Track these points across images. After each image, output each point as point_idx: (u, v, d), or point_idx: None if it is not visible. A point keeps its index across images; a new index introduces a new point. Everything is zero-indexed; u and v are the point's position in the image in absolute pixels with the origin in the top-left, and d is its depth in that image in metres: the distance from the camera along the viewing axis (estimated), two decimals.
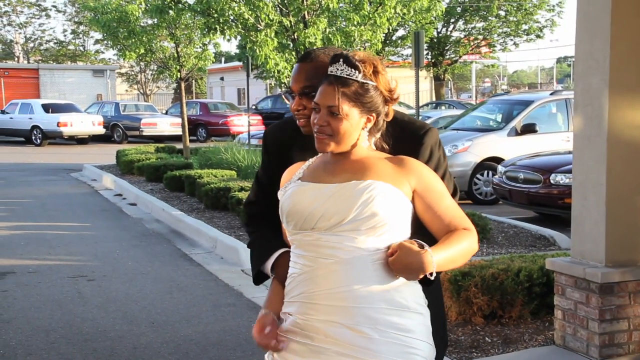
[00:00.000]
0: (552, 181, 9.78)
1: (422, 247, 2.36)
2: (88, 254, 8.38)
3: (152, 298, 6.44)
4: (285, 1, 10.44)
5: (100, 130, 29.05)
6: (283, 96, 2.95)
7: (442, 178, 2.61)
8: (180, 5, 11.94)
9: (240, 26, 10.34)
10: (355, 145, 2.51)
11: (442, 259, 2.39)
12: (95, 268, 7.63)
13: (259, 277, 2.80)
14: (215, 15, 10.17)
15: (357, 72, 2.48)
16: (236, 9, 9.83)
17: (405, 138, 2.67)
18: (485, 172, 12.38)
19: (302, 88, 2.69)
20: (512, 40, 37.53)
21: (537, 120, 12.90)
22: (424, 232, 2.49)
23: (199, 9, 10.34)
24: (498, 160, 12.17)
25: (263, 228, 2.87)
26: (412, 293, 2.44)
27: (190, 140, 19.44)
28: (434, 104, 32.97)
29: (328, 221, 2.41)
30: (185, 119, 17.46)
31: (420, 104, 33.99)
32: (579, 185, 4.69)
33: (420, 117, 19.71)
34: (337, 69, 2.49)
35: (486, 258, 6.09)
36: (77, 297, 6.47)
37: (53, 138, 28.70)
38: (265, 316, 2.57)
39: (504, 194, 10.65)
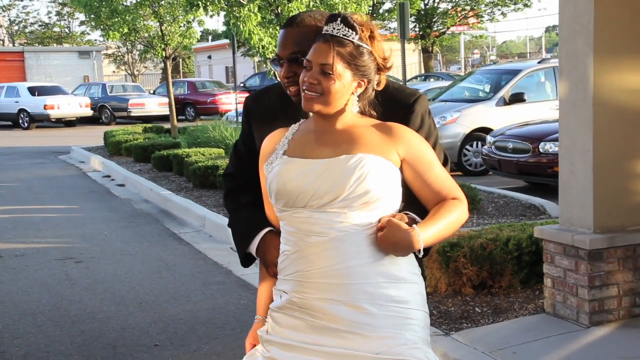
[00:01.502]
0: (541, 150, 9.73)
1: (413, 221, 2.31)
2: (76, 235, 8.32)
3: (140, 278, 6.39)
4: None
5: (88, 112, 28.84)
6: (270, 64, 2.86)
7: (433, 147, 2.53)
8: None
9: (223, 1, 10.22)
10: (343, 110, 2.43)
11: (430, 235, 2.33)
12: (83, 250, 7.57)
13: (246, 260, 2.73)
14: None
15: (354, 33, 2.39)
16: None
17: (395, 106, 2.58)
18: (475, 142, 12.33)
19: (290, 54, 2.57)
20: (499, 10, 37.36)
21: (525, 89, 12.82)
22: (415, 200, 2.44)
23: None
24: (487, 130, 12.10)
25: (243, 204, 2.77)
26: (406, 263, 2.40)
27: (179, 120, 19.30)
28: (422, 77, 32.82)
29: (320, 199, 2.34)
30: (172, 98, 17.33)
31: (409, 77, 33.89)
32: (566, 152, 4.64)
33: None
34: (334, 28, 2.40)
35: (475, 228, 6.05)
36: (65, 279, 6.41)
37: (40, 121, 28.50)
38: (259, 324, 2.54)
39: (493, 164, 10.60)
